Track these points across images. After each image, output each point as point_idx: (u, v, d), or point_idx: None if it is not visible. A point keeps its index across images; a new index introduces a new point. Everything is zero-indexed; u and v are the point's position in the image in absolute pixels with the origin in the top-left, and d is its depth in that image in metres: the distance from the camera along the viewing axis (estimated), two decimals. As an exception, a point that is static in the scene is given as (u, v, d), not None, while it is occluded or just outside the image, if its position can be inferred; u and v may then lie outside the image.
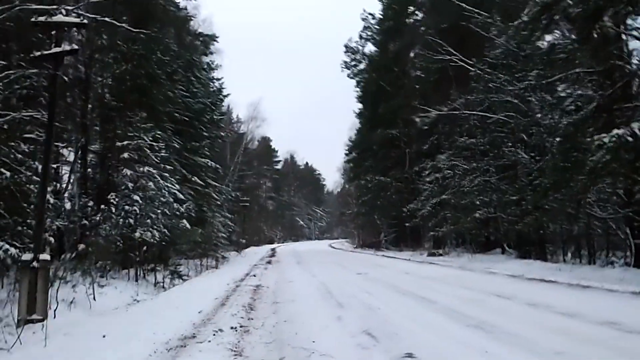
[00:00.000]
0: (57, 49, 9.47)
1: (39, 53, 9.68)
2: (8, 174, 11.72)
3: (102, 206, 18.00)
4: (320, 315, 8.98)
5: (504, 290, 11.46)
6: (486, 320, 7.79)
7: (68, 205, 24.12)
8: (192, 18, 33.60)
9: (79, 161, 24.86)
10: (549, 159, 20.42)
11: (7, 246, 11.01)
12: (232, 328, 7.98)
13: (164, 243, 20.75)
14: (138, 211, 18.33)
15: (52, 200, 18.42)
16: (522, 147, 23.82)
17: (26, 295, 8.79)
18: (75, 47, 10.05)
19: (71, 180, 27.18)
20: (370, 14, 43.63)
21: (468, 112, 23.72)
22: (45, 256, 9.29)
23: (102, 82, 23.63)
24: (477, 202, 23.42)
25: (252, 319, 8.92)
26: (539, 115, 21.99)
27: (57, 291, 10.28)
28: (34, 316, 8.79)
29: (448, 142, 31.77)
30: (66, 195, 24.35)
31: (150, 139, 19.39)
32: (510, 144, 24.88)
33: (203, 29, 35.29)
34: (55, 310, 9.58)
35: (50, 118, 9.55)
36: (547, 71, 18.73)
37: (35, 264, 8.95)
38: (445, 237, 32.41)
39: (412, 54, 41.27)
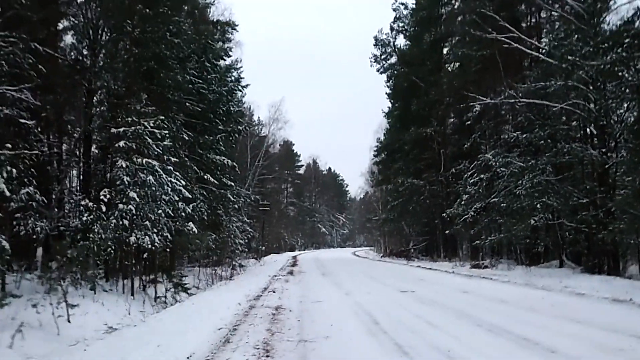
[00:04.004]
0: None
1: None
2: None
3: (90, 204, 14.86)
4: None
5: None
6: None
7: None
8: (211, 4, 30.76)
9: (80, 155, 22.18)
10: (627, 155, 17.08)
11: None
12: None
13: (167, 250, 17.60)
14: (134, 211, 15.15)
15: (37, 198, 15.57)
16: (588, 142, 20.38)
17: None
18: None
19: (69, 177, 24.50)
20: (402, 3, 40.27)
21: (526, 100, 20.11)
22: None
23: (107, 66, 20.79)
24: (538, 206, 19.79)
25: (267, 376, 5.58)
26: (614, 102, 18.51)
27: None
28: None
29: (493, 139, 28.33)
30: (65, 193, 21.58)
31: (152, 125, 16.17)
32: (575, 138, 21.45)
33: (222, 19, 32.37)
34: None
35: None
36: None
37: None
38: (486, 247, 28.85)
39: (448, 47, 37.85)
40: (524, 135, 22.43)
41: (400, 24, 40.82)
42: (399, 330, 8.14)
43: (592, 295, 12.16)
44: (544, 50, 22.35)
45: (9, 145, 9.66)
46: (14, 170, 9.26)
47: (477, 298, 12.43)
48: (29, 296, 11.21)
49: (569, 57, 17.41)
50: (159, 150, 16.35)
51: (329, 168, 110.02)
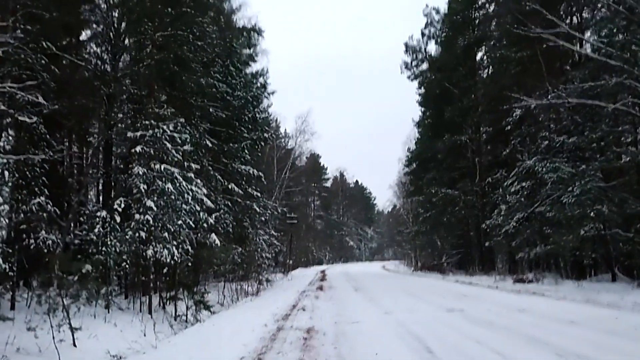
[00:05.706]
0: None
1: None
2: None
3: (104, 214, 13.69)
4: None
5: None
6: None
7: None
8: (237, 10, 29.82)
9: (100, 164, 21.32)
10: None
11: None
12: None
13: (189, 264, 16.32)
14: (152, 221, 13.94)
15: (49, 209, 14.48)
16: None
17: None
18: None
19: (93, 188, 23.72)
20: (433, 8, 38.76)
21: (576, 100, 18.43)
22: None
23: (128, 70, 19.87)
24: (592, 215, 18.06)
25: None
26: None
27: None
28: None
29: (534, 146, 26.59)
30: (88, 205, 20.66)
31: (172, 129, 14.99)
32: (626, 142, 19.81)
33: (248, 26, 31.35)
34: None
35: None
36: None
37: None
38: (526, 260, 27.01)
39: (482, 51, 36.27)
40: (571, 139, 20.76)
41: (432, 29, 39.30)
42: (461, 361, 6.65)
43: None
44: (590, 48, 20.81)
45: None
46: (7, 174, 7.98)
47: (539, 318, 10.77)
48: (31, 317, 10.07)
49: (633, 47, 15.76)
50: (178, 156, 15.17)
51: (356, 181, 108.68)
